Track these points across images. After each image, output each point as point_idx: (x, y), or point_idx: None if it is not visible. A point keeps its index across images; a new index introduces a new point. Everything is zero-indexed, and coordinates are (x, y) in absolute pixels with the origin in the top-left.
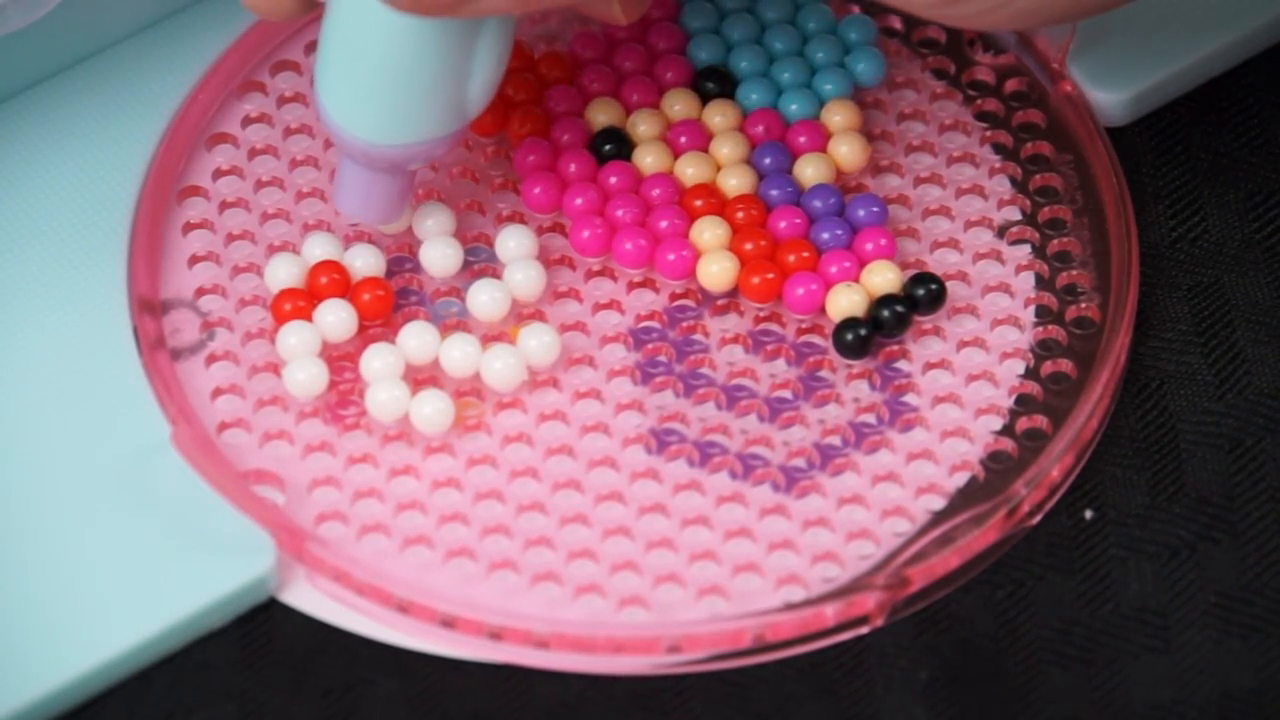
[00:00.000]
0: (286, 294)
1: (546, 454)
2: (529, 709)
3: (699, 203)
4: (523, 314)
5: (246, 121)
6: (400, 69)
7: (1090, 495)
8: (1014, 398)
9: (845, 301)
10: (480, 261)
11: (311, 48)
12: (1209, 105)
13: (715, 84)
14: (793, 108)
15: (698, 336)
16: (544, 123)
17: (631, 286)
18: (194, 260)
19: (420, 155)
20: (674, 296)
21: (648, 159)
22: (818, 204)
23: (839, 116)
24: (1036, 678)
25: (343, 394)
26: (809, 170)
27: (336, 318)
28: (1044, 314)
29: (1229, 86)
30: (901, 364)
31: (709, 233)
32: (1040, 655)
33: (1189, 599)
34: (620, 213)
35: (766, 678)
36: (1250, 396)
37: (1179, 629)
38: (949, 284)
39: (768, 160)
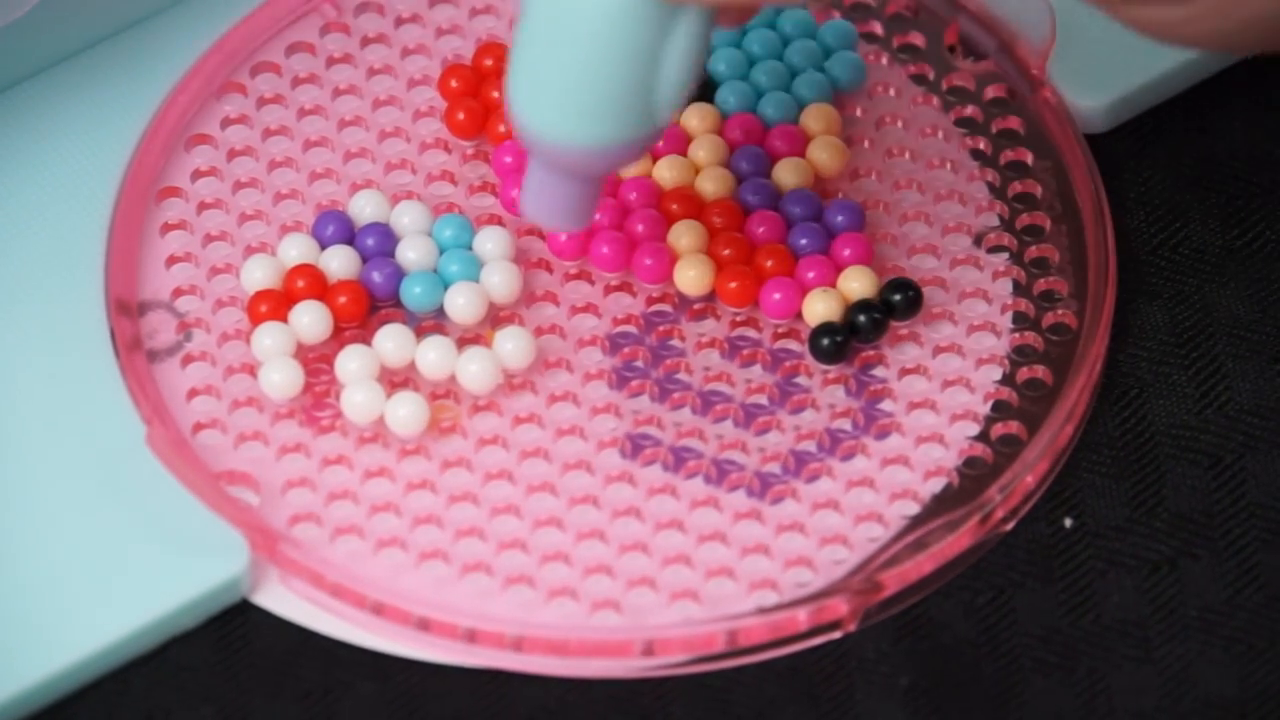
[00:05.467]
0: (262, 295)
1: (521, 457)
2: (508, 713)
3: (676, 206)
4: (499, 316)
5: (226, 123)
6: (591, 61)
7: (1069, 503)
8: (990, 404)
9: (821, 307)
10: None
11: (292, 50)
12: (1190, 112)
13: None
14: (771, 112)
15: (674, 341)
16: None
17: (608, 290)
18: (171, 261)
19: (607, 159)
20: (650, 300)
21: None
22: (795, 209)
23: (817, 121)
24: (1017, 685)
25: (318, 396)
26: (787, 175)
27: (312, 319)
28: (1021, 320)
29: (1210, 93)
30: (878, 369)
31: (686, 237)
32: (1021, 662)
33: (1170, 612)
34: (598, 216)
35: (746, 682)
36: (1230, 412)
37: (1160, 640)
38: (926, 289)
39: (745, 165)
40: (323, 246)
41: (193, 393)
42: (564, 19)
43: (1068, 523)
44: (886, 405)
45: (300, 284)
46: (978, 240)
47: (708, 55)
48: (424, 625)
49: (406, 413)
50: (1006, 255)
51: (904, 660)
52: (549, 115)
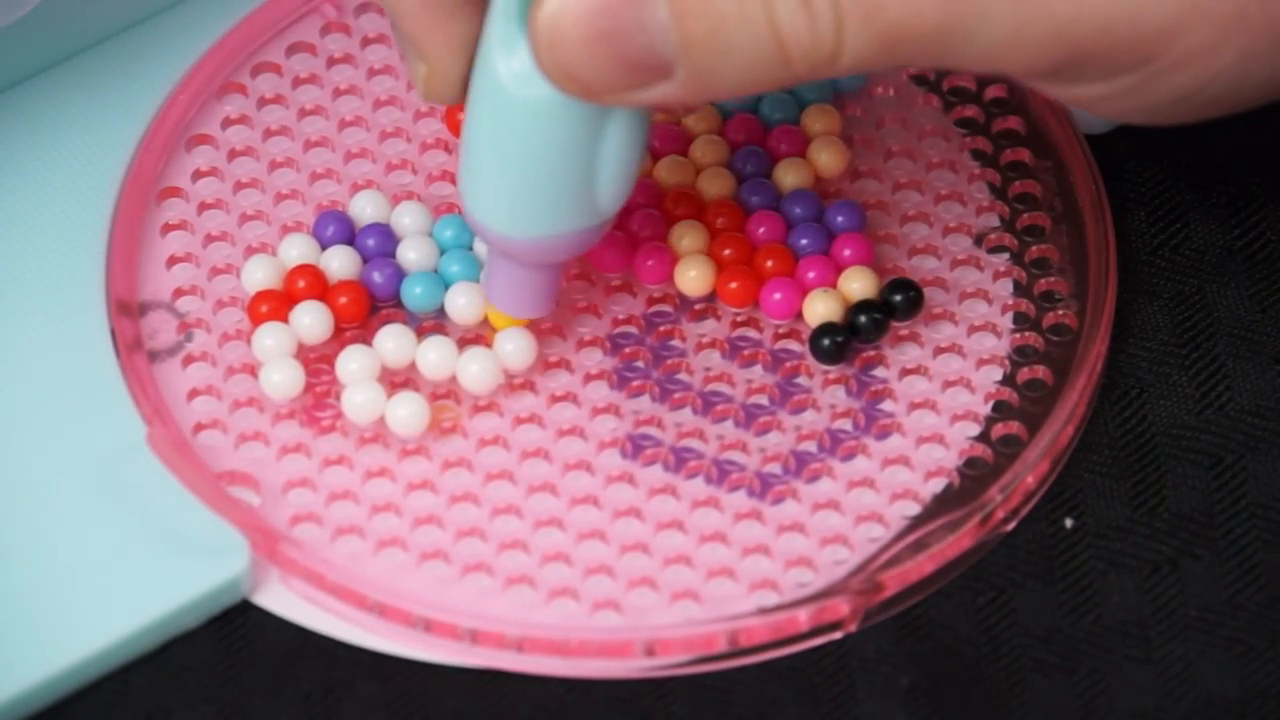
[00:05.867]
0: (263, 296)
1: (522, 457)
2: (509, 713)
3: (678, 208)
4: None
5: (226, 123)
6: (527, 158)
7: (1069, 503)
8: (990, 404)
9: (822, 307)
10: None
11: (293, 50)
12: None
13: None
14: (772, 113)
15: (675, 341)
16: None
17: (609, 291)
18: (172, 261)
19: (556, 251)
20: (651, 301)
21: None
22: (796, 209)
23: (819, 122)
24: (1018, 685)
25: (319, 396)
26: (788, 176)
27: (313, 320)
28: (1021, 321)
29: None
30: (878, 370)
31: (687, 237)
32: (1022, 663)
33: (1171, 612)
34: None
35: (747, 682)
36: (1231, 413)
37: (1161, 640)
38: (927, 290)
39: (747, 165)
40: (323, 247)
41: (193, 393)
42: (501, 119)
43: (1068, 523)
44: (887, 406)
45: (301, 284)
46: (978, 240)
47: (648, 145)
48: (425, 626)
49: (407, 413)
50: (1007, 255)
51: (905, 660)
52: (495, 210)
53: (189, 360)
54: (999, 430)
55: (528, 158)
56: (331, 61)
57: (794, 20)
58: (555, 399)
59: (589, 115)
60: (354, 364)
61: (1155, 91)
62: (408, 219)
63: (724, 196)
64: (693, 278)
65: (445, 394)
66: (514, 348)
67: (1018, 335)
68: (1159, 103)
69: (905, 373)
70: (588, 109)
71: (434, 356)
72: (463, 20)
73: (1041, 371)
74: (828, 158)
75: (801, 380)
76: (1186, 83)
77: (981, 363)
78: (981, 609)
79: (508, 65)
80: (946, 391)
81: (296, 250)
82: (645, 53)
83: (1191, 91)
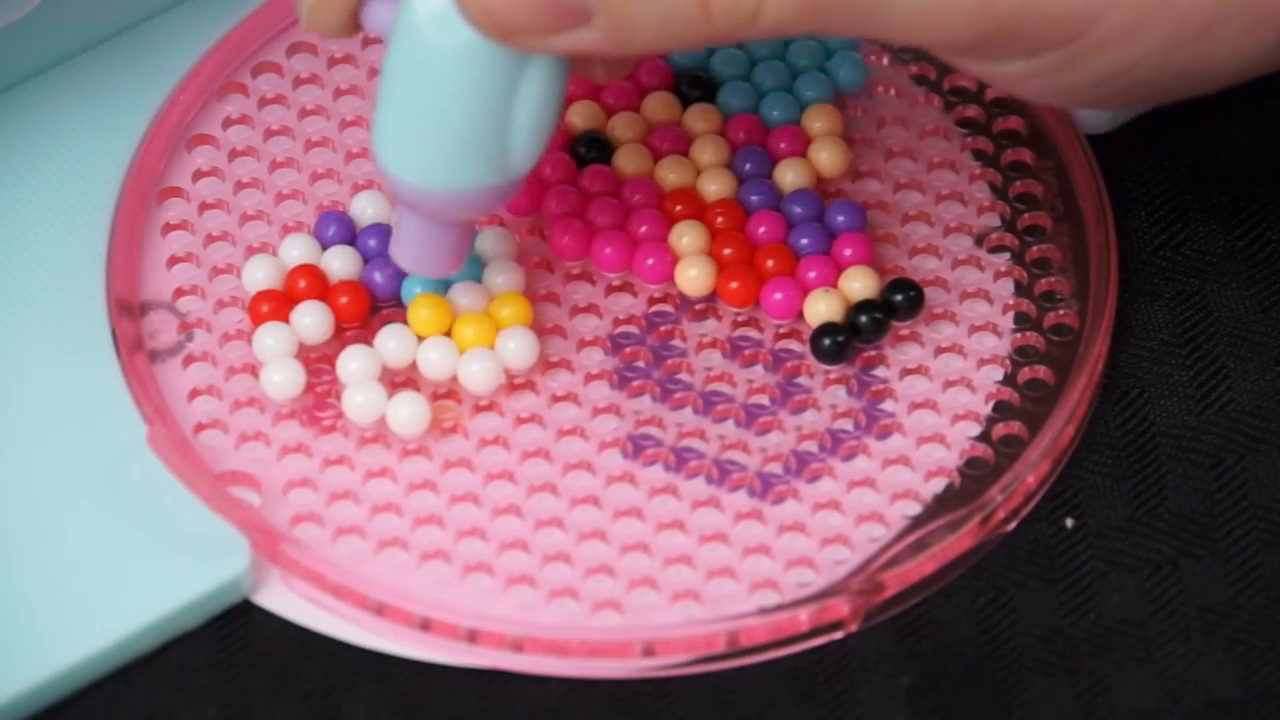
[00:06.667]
0: (263, 296)
1: (523, 457)
2: (510, 713)
3: (678, 207)
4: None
5: (227, 123)
6: (442, 105)
7: (1070, 503)
8: (991, 404)
9: (823, 307)
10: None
11: (294, 50)
12: (1192, 111)
13: (696, 88)
14: (773, 113)
15: (675, 341)
16: None
17: (610, 290)
18: (173, 261)
19: (464, 205)
20: (652, 300)
21: (627, 163)
22: (797, 209)
23: (819, 122)
24: (1019, 685)
25: (320, 396)
26: (789, 175)
27: (314, 320)
28: (1022, 321)
29: (1213, 93)
30: (879, 370)
31: (687, 237)
32: (1022, 662)
33: (1171, 612)
34: (599, 216)
35: (748, 682)
36: (1232, 413)
37: (1161, 640)
38: (927, 290)
39: (747, 165)
40: (324, 247)
41: (194, 393)
42: (416, 64)
43: (1069, 523)
44: (888, 405)
45: (302, 284)
46: (979, 240)
47: (563, 105)
48: (425, 626)
49: (408, 413)
50: (1008, 255)
51: (905, 660)
52: (406, 159)
53: (190, 360)
54: (1000, 430)
55: (441, 103)
56: (332, 61)
57: None
58: (556, 399)
59: (506, 62)
60: (355, 364)
61: (1077, 72)
62: None
63: (725, 196)
64: (693, 277)
65: (446, 394)
66: (515, 347)
67: (1019, 335)
68: (1080, 84)
69: (906, 372)
70: (505, 56)
71: (435, 356)
72: None
73: (1042, 371)
74: (829, 157)
75: (802, 380)
76: (1108, 64)
77: (982, 362)
78: (982, 609)
79: (425, 6)
80: (947, 391)
81: (297, 250)
82: None
83: (1113, 74)
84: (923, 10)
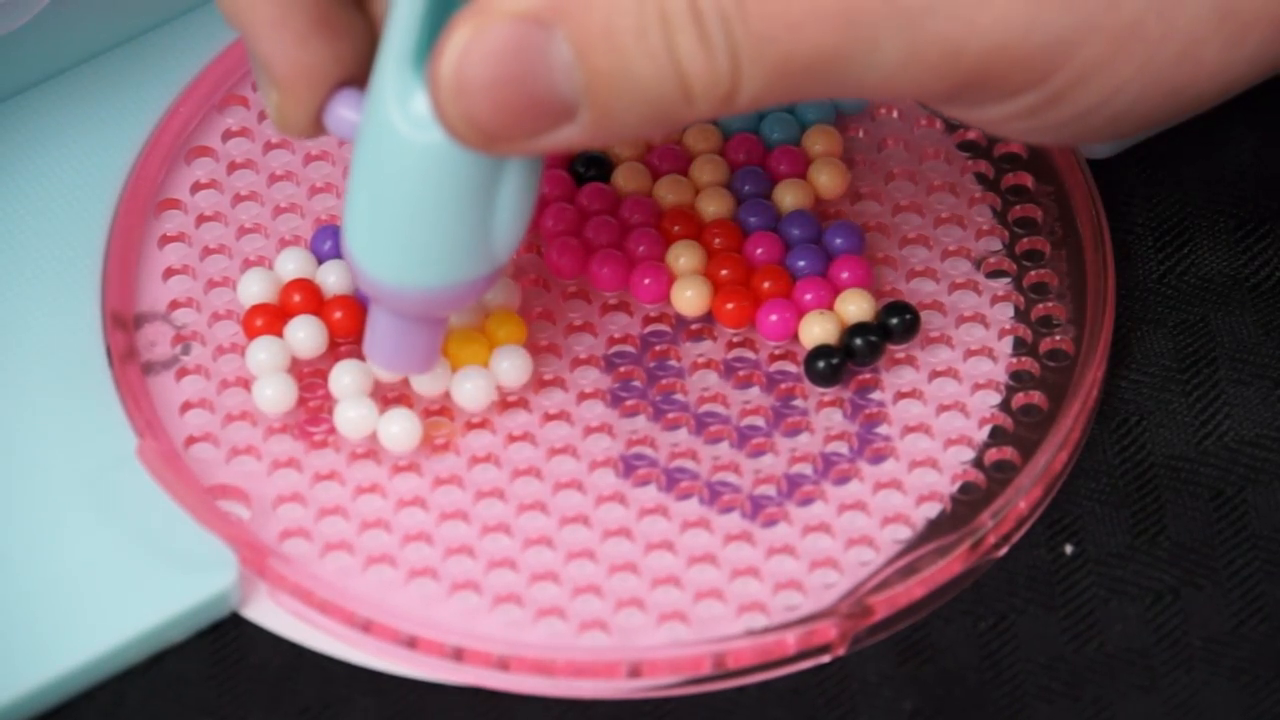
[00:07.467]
0: (258, 309)
1: (514, 475)
2: None
3: (676, 227)
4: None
5: (227, 135)
6: (421, 206)
7: (1067, 529)
8: (985, 429)
9: (818, 329)
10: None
11: None
12: (1197, 136)
13: None
14: (774, 133)
15: (670, 361)
16: None
17: (605, 309)
18: (169, 273)
19: (445, 302)
20: (648, 320)
21: (626, 181)
22: (795, 231)
23: (820, 143)
24: (1023, 711)
25: (312, 411)
26: (787, 196)
27: (307, 334)
28: (1019, 346)
29: (1218, 117)
30: (874, 393)
31: (684, 257)
32: (1025, 689)
33: (1174, 641)
34: (597, 235)
35: (748, 704)
36: (1230, 444)
37: (1165, 669)
38: (924, 313)
39: (747, 186)
40: (320, 261)
41: (186, 406)
42: (393, 166)
43: (1068, 549)
44: (882, 429)
45: (296, 298)
46: (978, 264)
47: (539, 195)
48: (412, 643)
49: (400, 429)
50: (1006, 280)
51: (907, 684)
52: (384, 259)
53: (183, 373)
54: (992, 455)
55: (423, 206)
56: None
57: (693, 52)
58: (549, 417)
59: (488, 160)
60: (347, 379)
61: (1060, 109)
62: None
63: (723, 216)
64: (689, 297)
65: (438, 410)
66: (509, 365)
67: (1014, 360)
68: (1066, 120)
69: (900, 396)
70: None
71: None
72: (317, 47)
73: (1037, 397)
74: (828, 179)
75: (797, 402)
76: (1089, 97)
77: (977, 387)
78: (983, 634)
79: (403, 112)
80: (941, 416)
81: (293, 264)
82: (549, 95)
83: (1096, 106)
84: (896, 66)
